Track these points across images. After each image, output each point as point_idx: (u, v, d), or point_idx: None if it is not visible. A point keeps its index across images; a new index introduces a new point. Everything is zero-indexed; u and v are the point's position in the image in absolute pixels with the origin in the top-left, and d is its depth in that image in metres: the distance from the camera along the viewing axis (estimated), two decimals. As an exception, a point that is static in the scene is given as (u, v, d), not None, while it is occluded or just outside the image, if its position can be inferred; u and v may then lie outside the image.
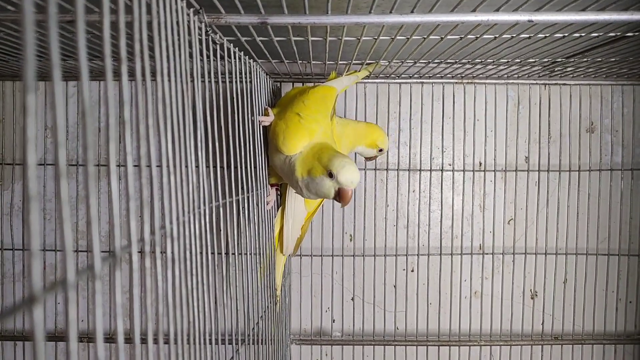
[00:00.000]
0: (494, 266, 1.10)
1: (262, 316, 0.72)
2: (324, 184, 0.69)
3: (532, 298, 1.10)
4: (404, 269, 1.10)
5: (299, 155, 0.74)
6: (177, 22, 0.40)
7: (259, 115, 0.78)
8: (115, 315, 0.22)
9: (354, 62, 0.90)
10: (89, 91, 0.21)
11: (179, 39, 0.40)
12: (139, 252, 0.27)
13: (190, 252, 0.40)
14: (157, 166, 0.32)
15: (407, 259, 1.10)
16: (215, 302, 0.50)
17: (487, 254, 1.10)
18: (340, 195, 0.69)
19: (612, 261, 1.08)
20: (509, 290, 1.10)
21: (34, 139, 0.16)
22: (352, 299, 1.10)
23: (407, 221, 1.10)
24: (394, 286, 1.10)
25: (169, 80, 0.36)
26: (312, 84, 0.87)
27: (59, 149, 0.17)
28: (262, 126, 0.79)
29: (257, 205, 0.73)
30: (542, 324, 1.10)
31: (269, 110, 0.79)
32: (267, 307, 0.77)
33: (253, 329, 0.68)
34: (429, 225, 1.09)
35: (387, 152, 1.08)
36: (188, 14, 0.46)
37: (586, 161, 1.08)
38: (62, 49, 0.77)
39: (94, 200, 0.20)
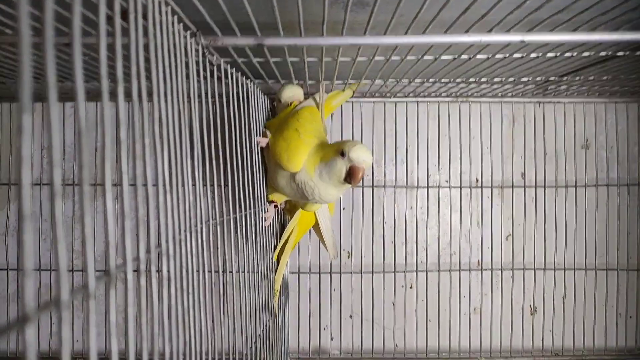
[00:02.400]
0: (492, 282, 1.10)
1: (260, 335, 0.72)
2: (336, 164, 0.71)
3: (531, 314, 1.10)
4: (402, 286, 1.09)
5: (304, 168, 0.76)
6: (174, 44, 0.41)
7: (257, 135, 0.78)
8: (110, 335, 0.22)
9: (349, 81, 0.91)
10: (85, 112, 0.21)
11: (175, 61, 0.41)
12: (134, 271, 0.27)
13: (187, 271, 0.39)
14: (153, 185, 0.33)
15: (405, 275, 1.09)
16: (212, 321, 0.49)
17: (485, 270, 1.10)
18: (351, 173, 0.70)
19: (611, 276, 1.08)
20: (509, 306, 1.09)
21: (29, 158, 0.16)
22: (351, 317, 1.09)
23: (405, 238, 1.09)
24: (393, 303, 1.09)
25: (166, 101, 0.37)
26: (297, 106, 0.89)
27: (55, 169, 0.18)
28: (260, 147, 0.80)
29: (255, 222, 0.73)
30: (543, 340, 1.09)
31: (267, 132, 0.81)
32: (266, 325, 0.76)
33: (251, 347, 0.67)
34: (427, 242, 1.09)
35: (384, 169, 1.09)
36: (185, 37, 0.47)
37: (582, 177, 1.09)
38: (60, 71, 0.78)
39: (89, 219, 0.20)
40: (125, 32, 0.29)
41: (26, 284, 0.14)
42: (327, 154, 0.73)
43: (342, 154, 0.70)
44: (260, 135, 0.81)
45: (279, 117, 0.88)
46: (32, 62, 0.20)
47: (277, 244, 0.92)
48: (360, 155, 0.70)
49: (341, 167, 0.71)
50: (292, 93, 0.90)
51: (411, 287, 1.10)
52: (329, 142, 0.88)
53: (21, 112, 0.18)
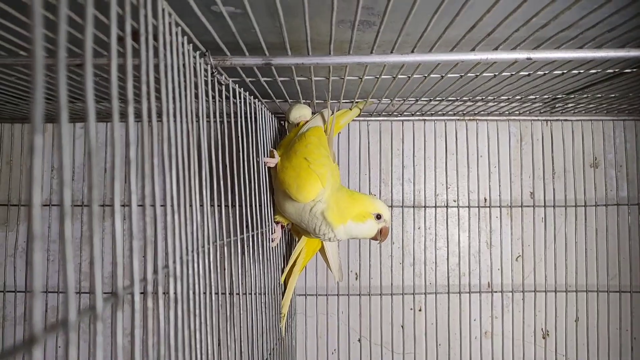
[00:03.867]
0: (503, 305, 1.08)
1: (267, 359, 0.71)
2: (371, 226, 0.78)
3: (543, 337, 1.07)
4: (411, 309, 1.08)
5: (320, 203, 0.75)
6: (184, 65, 0.41)
7: (264, 156, 0.78)
8: (117, 357, 0.22)
9: (356, 100, 0.91)
10: (96, 132, 0.21)
11: (185, 81, 0.41)
12: (141, 293, 0.27)
13: (194, 292, 0.39)
14: (162, 206, 0.32)
15: (414, 297, 1.08)
16: (219, 344, 0.49)
17: (496, 292, 1.08)
18: (382, 232, 0.79)
19: (624, 298, 1.06)
20: (520, 330, 1.07)
21: (39, 178, 0.16)
22: (359, 340, 1.08)
23: (413, 259, 1.08)
24: (402, 326, 1.07)
25: (175, 121, 0.37)
26: (304, 125, 0.89)
27: (64, 188, 0.17)
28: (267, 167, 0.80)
29: (262, 243, 0.73)
30: (556, 364, 1.07)
31: (274, 152, 0.80)
32: (273, 349, 0.75)
33: (257, 372, 0.66)
34: (436, 262, 1.08)
35: (392, 189, 1.09)
36: (194, 57, 0.47)
37: (592, 196, 1.08)
38: (71, 92, 0.79)
39: (97, 239, 0.20)
40: (136, 52, 0.29)
41: (35, 304, 0.14)
42: (360, 215, 0.78)
43: (378, 217, 0.78)
44: (267, 155, 0.81)
45: (288, 137, 0.88)
46: (44, 83, 0.20)
47: (284, 266, 0.91)
48: (390, 215, 0.80)
49: (374, 228, 0.78)
50: (299, 114, 0.90)
51: (420, 310, 1.08)
52: (337, 163, 0.88)
53: (33, 132, 0.18)
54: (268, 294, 0.74)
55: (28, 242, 1.07)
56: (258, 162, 0.74)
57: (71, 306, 0.17)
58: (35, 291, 0.14)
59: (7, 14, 0.46)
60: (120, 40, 0.27)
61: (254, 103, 0.76)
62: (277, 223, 0.86)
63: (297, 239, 0.92)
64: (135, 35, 0.29)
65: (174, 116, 0.37)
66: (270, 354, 0.73)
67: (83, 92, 0.21)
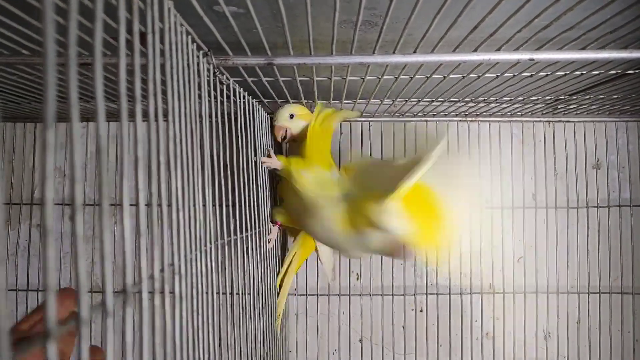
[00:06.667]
0: (505, 306, 1.08)
1: (264, 357, 0.71)
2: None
3: (545, 339, 1.07)
4: (412, 309, 1.08)
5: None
6: (188, 65, 0.42)
7: (261, 155, 0.79)
8: (125, 354, 0.22)
9: (358, 101, 0.91)
10: (106, 131, 0.22)
11: (189, 81, 0.41)
12: (150, 292, 0.27)
13: (197, 291, 0.39)
14: (168, 205, 0.33)
15: (415, 298, 1.08)
16: (220, 345, 0.49)
17: (497, 293, 1.08)
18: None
19: (626, 300, 1.06)
20: (522, 331, 1.07)
21: (52, 175, 0.16)
22: (360, 341, 1.08)
23: (415, 259, 1.08)
24: (403, 327, 1.08)
25: (180, 120, 0.37)
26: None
27: (76, 185, 0.18)
28: (267, 169, 0.80)
29: (260, 243, 0.73)
30: (557, 365, 1.07)
31: (271, 151, 0.81)
32: (270, 348, 0.75)
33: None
34: (437, 263, 1.08)
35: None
36: (197, 56, 0.48)
37: (594, 197, 1.08)
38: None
39: (107, 236, 0.20)
40: (142, 53, 0.29)
41: (49, 300, 0.14)
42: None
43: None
44: (264, 155, 0.81)
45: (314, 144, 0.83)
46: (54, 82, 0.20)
47: (279, 267, 0.91)
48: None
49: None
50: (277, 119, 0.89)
51: (421, 311, 1.08)
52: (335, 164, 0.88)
53: (45, 129, 0.18)
54: (264, 293, 0.74)
55: (30, 242, 1.07)
56: (256, 162, 0.75)
57: (83, 302, 0.17)
58: (49, 287, 0.14)
59: (9, 12, 0.46)
60: (127, 42, 0.27)
61: (252, 103, 0.77)
62: (274, 223, 0.86)
63: (292, 238, 0.92)
64: (143, 38, 0.30)
65: (179, 116, 0.37)
66: (266, 353, 0.73)
67: (87, 92, 0.21)
